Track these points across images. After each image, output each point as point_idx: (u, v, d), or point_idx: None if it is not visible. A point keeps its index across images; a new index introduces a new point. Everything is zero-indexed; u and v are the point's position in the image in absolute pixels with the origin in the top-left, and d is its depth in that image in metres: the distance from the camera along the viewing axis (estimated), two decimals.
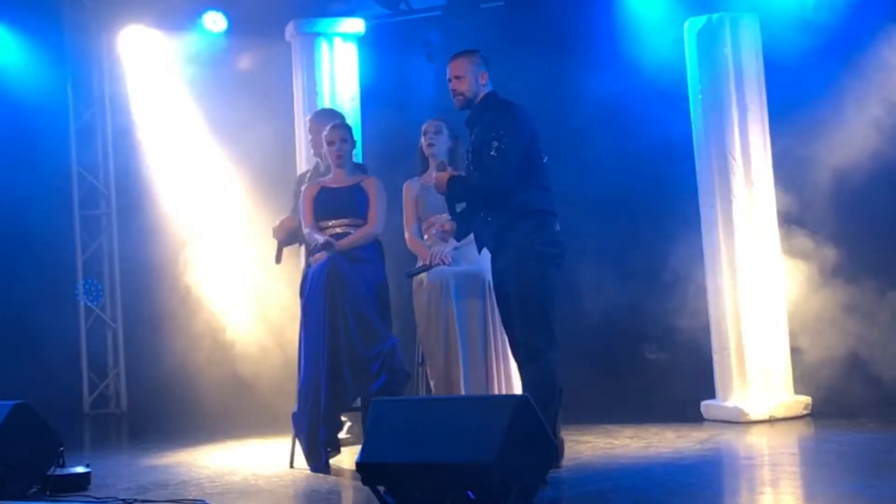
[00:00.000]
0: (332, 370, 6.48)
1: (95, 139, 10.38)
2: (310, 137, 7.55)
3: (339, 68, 8.92)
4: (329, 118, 7.30)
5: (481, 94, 6.13)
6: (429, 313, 6.61)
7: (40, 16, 9.92)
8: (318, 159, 7.34)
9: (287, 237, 7.29)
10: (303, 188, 7.08)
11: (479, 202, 6.08)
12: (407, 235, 6.94)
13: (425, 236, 6.90)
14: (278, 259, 7.36)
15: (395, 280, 6.89)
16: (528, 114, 6.08)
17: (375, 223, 6.83)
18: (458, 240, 6.47)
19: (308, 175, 7.49)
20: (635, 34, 8.55)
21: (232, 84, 9.69)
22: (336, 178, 6.94)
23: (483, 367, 6.55)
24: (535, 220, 5.96)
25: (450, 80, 6.18)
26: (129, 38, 9.93)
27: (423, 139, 6.89)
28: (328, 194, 6.89)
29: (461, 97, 6.14)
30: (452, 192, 6.11)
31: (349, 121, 7.52)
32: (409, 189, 6.97)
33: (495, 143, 5.94)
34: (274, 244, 7.34)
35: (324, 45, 8.91)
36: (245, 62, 9.73)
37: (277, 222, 7.40)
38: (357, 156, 7.78)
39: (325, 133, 6.98)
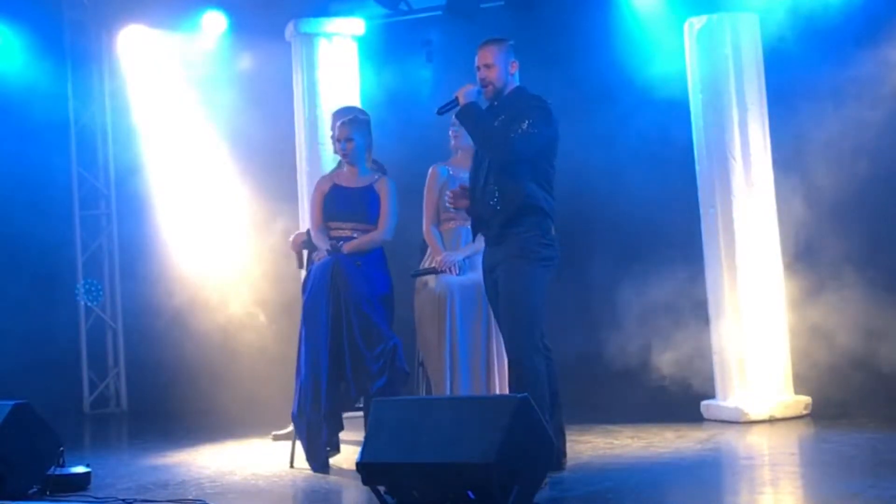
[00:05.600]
0: (334, 369, 6.46)
1: (95, 139, 10.38)
2: (329, 134, 7.55)
3: (339, 68, 8.92)
4: (340, 116, 7.26)
5: (511, 86, 6.04)
6: (431, 320, 6.56)
7: (40, 15, 9.93)
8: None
9: (302, 247, 7.35)
10: (315, 181, 7.05)
11: (479, 139, 5.96)
12: (425, 226, 6.83)
13: (442, 227, 6.84)
14: (300, 264, 7.38)
15: (400, 277, 6.86)
16: (557, 115, 6.02)
17: (384, 230, 6.77)
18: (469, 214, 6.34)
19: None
20: (635, 34, 8.56)
21: (232, 84, 9.70)
22: (349, 177, 6.90)
23: (484, 374, 6.53)
24: (536, 218, 5.94)
25: (478, 69, 6.03)
26: (129, 38, 9.95)
27: (451, 130, 6.82)
28: (340, 193, 6.84)
29: (490, 87, 6.00)
30: (468, 109, 5.96)
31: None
32: (435, 176, 6.82)
33: (525, 124, 5.85)
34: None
35: (324, 45, 8.92)
36: (245, 62, 9.73)
37: (292, 236, 7.43)
38: None
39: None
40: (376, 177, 6.89)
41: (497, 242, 6.01)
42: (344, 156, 6.90)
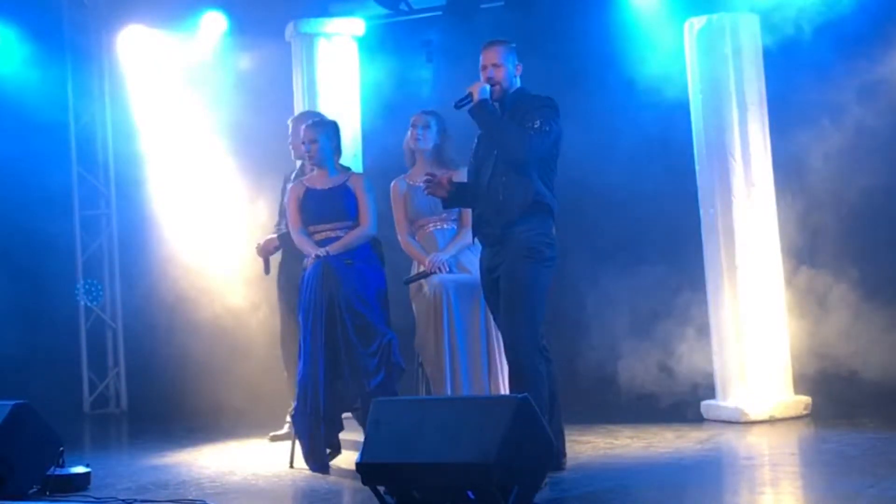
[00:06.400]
0: (331, 370, 6.46)
1: (95, 139, 10.38)
2: (289, 140, 7.60)
3: (339, 68, 8.92)
4: (304, 120, 7.30)
5: (514, 87, 6.04)
6: (428, 321, 6.57)
7: (41, 15, 9.93)
8: (301, 160, 7.34)
9: (271, 253, 7.46)
10: (288, 187, 7.10)
11: (495, 135, 5.94)
12: (401, 238, 6.86)
13: (417, 236, 6.86)
14: (267, 270, 7.53)
15: (393, 286, 6.87)
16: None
17: (367, 223, 6.76)
18: (445, 207, 6.36)
19: (293, 174, 7.53)
20: (635, 34, 8.55)
21: (232, 84, 9.70)
22: (320, 179, 6.87)
23: (485, 374, 6.53)
24: (540, 216, 5.94)
25: (484, 68, 6.02)
26: (129, 38, 9.94)
27: (409, 132, 6.82)
28: (315, 196, 6.82)
29: (497, 87, 6.00)
30: (483, 105, 5.95)
31: (350, 121, 7.49)
32: (396, 189, 6.86)
33: (538, 122, 5.87)
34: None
35: (324, 45, 8.91)
36: (245, 62, 9.73)
37: (262, 241, 7.54)
38: (355, 159, 7.77)
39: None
40: (348, 175, 6.89)
41: (499, 241, 6.00)
42: (309, 158, 6.91)
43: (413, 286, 6.72)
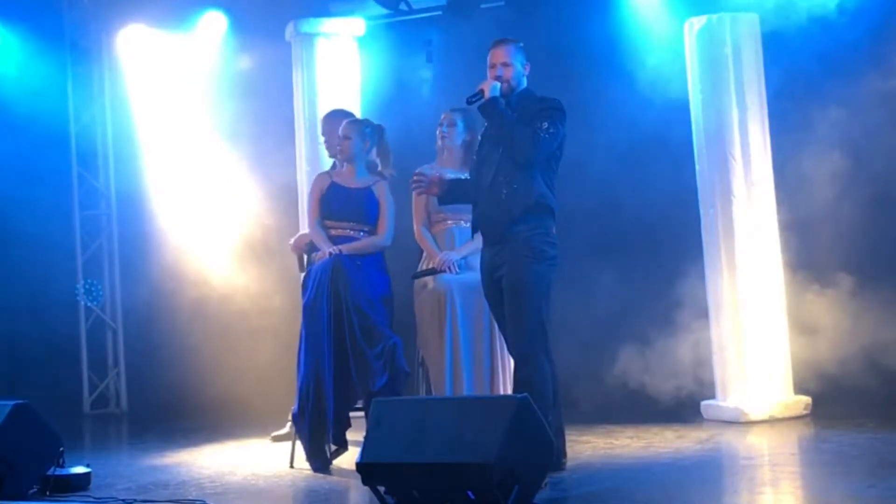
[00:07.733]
0: (339, 368, 6.47)
1: (95, 138, 10.38)
2: (322, 139, 7.58)
3: (339, 68, 8.92)
4: (332, 117, 7.32)
5: (521, 87, 6.03)
6: (432, 319, 6.57)
7: (41, 15, 9.93)
8: (334, 158, 7.31)
9: (304, 250, 7.34)
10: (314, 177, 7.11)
11: (504, 134, 5.92)
12: (416, 228, 6.86)
13: (434, 229, 6.85)
14: (302, 268, 7.41)
15: (399, 280, 6.87)
16: None
17: (385, 235, 6.79)
18: (440, 203, 6.38)
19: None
20: (635, 34, 8.56)
21: (232, 84, 9.70)
22: (347, 177, 6.91)
23: (488, 373, 6.52)
24: (541, 216, 5.94)
25: (493, 66, 6.01)
26: (129, 37, 9.94)
27: (438, 130, 6.86)
28: (339, 192, 6.85)
29: (506, 85, 5.99)
30: (494, 104, 5.93)
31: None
32: None
33: (546, 123, 5.88)
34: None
35: (324, 45, 8.91)
36: (245, 62, 9.73)
37: (294, 238, 7.42)
38: None
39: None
40: (374, 179, 6.90)
41: (500, 241, 6.00)
42: (340, 153, 6.93)
43: (417, 283, 6.72)
